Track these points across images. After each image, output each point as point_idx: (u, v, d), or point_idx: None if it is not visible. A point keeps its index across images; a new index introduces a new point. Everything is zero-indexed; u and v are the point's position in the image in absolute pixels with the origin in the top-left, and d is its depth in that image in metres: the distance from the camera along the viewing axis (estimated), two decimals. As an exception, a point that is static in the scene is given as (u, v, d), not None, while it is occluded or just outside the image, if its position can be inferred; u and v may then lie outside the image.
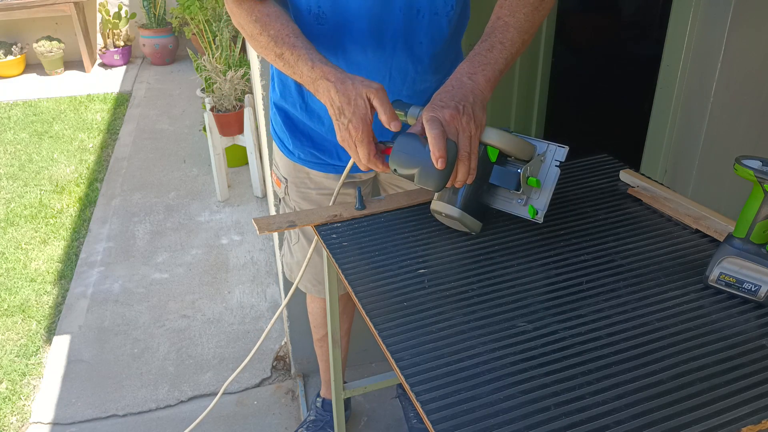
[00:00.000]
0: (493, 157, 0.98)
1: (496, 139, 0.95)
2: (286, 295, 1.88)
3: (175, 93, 4.48)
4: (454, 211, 1.00)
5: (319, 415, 1.78)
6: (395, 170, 0.96)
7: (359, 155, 0.96)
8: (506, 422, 0.70)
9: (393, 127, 0.93)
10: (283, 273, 1.67)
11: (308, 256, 1.23)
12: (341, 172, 1.29)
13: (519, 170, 0.98)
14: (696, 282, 0.92)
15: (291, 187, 1.36)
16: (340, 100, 0.94)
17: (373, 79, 1.13)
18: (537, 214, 1.00)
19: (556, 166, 0.99)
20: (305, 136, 1.27)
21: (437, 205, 1.02)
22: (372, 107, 0.94)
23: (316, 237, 1.32)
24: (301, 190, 1.35)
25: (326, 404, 1.78)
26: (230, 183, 3.19)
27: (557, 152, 0.99)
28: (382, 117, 0.94)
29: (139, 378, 2.05)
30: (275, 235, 1.45)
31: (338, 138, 0.97)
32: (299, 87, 1.21)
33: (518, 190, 0.99)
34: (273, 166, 1.43)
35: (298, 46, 0.99)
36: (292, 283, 1.53)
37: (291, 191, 1.36)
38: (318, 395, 1.84)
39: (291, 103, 1.24)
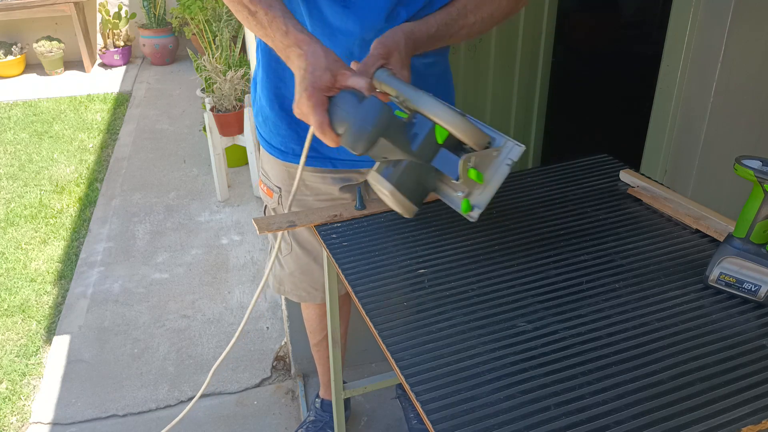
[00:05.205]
0: (440, 139, 0.88)
1: (444, 118, 0.86)
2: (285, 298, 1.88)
3: (175, 93, 4.48)
4: (386, 185, 0.90)
5: (319, 416, 1.78)
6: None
7: (312, 124, 0.91)
8: (506, 422, 0.70)
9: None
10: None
11: (274, 253, 1.18)
12: (339, 167, 1.26)
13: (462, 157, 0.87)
14: (696, 282, 0.92)
15: (285, 196, 1.30)
16: (306, 68, 0.91)
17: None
18: (472, 210, 0.90)
19: (507, 164, 0.89)
20: (302, 128, 1.21)
21: (371, 176, 0.93)
22: (337, 87, 0.91)
23: (313, 243, 1.32)
24: (298, 198, 1.30)
25: (325, 405, 1.78)
26: (230, 183, 3.19)
27: (512, 150, 0.88)
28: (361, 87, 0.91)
29: (139, 378, 2.05)
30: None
31: (295, 111, 0.93)
32: None
33: (457, 180, 0.88)
34: (261, 176, 1.36)
35: (274, 7, 0.96)
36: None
37: (285, 200, 1.31)
38: (317, 396, 1.83)
39: (291, 91, 1.21)
